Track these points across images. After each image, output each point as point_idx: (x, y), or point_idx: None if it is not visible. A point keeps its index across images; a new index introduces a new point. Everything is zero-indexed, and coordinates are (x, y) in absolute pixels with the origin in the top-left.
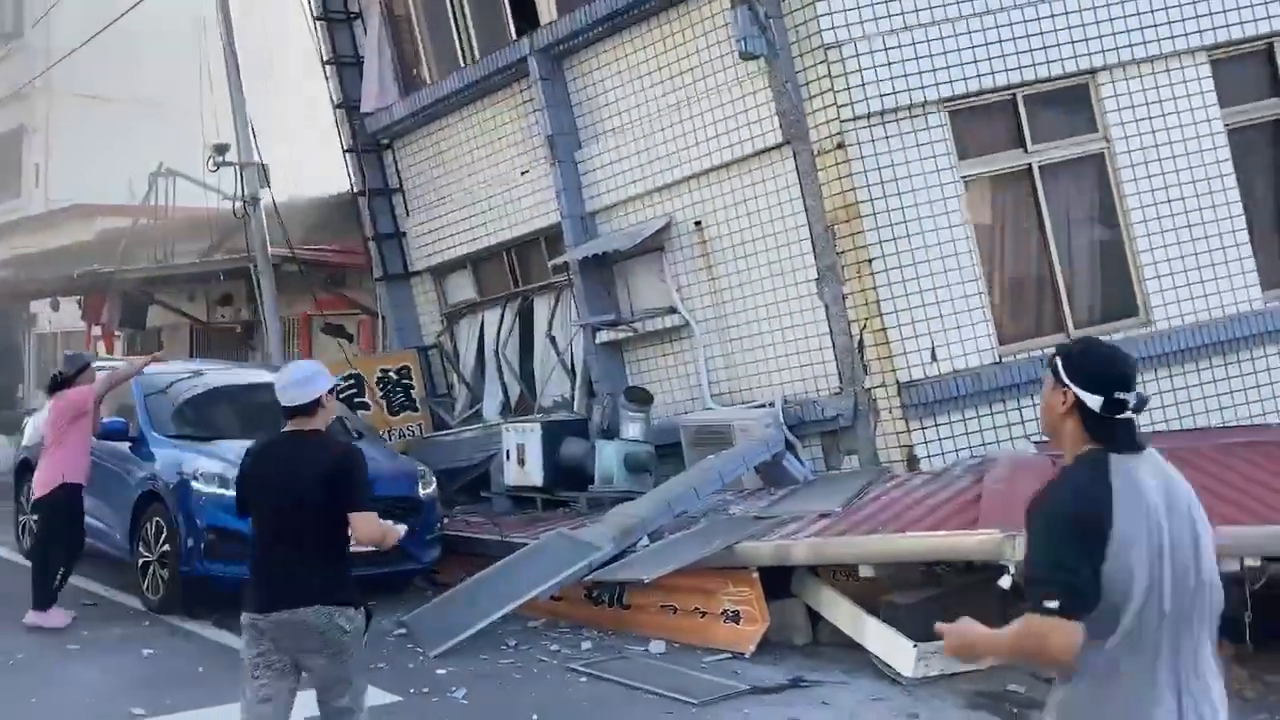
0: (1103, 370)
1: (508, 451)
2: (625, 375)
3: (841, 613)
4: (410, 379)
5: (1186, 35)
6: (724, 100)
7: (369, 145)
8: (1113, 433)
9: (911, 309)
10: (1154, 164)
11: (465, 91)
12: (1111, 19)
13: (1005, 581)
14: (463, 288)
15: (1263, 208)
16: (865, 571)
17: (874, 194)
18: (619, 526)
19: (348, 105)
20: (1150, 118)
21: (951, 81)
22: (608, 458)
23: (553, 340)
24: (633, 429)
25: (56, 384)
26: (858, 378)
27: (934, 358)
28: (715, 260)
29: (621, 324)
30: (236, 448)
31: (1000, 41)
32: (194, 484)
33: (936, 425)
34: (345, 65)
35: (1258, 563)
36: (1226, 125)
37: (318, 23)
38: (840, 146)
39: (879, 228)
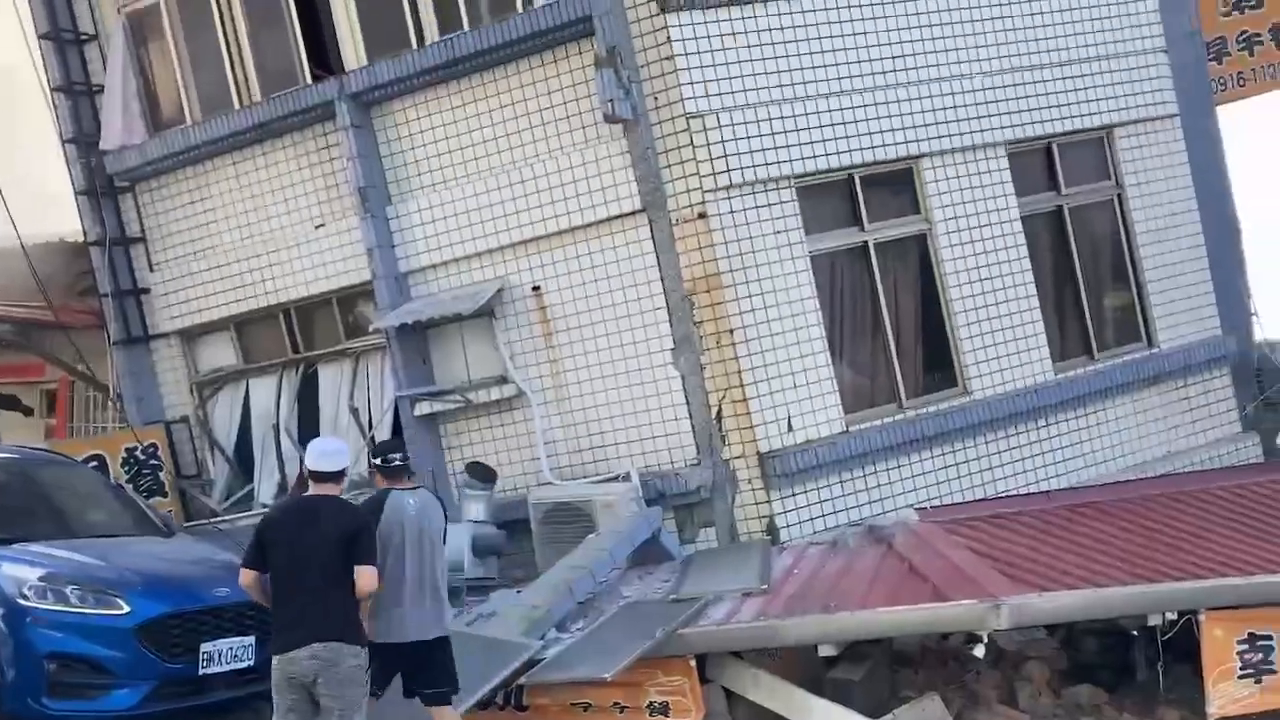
0: (381, 450)
1: None
2: (443, 450)
3: (776, 695)
4: (159, 459)
5: (992, 130)
6: (572, 163)
7: (106, 187)
8: (390, 478)
9: (770, 379)
10: (967, 245)
11: (244, 134)
12: (933, 109)
13: (980, 650)
14: (221, 353)
15: (1050, 289)
16: (825, 650)
17: (734, 265)
18: (526, 619)
19: (82, 140)
20: (963, 203)
21: (802, 159)
22: (455, 542)
23: (355, 412)
24: (476, 509)
25: None
26: (716, 449)
27: (790, 428)
28: (556, 327)
29: (449, 394)
30: (46, 552)
31: (842, 124)
32: (24, 601)
33: (794, 495)
34: (78, 94)
35: (1174, 616)
36: (1021, 213)
37: (43, 42)
38: (702, 216)
39: (739, 298)
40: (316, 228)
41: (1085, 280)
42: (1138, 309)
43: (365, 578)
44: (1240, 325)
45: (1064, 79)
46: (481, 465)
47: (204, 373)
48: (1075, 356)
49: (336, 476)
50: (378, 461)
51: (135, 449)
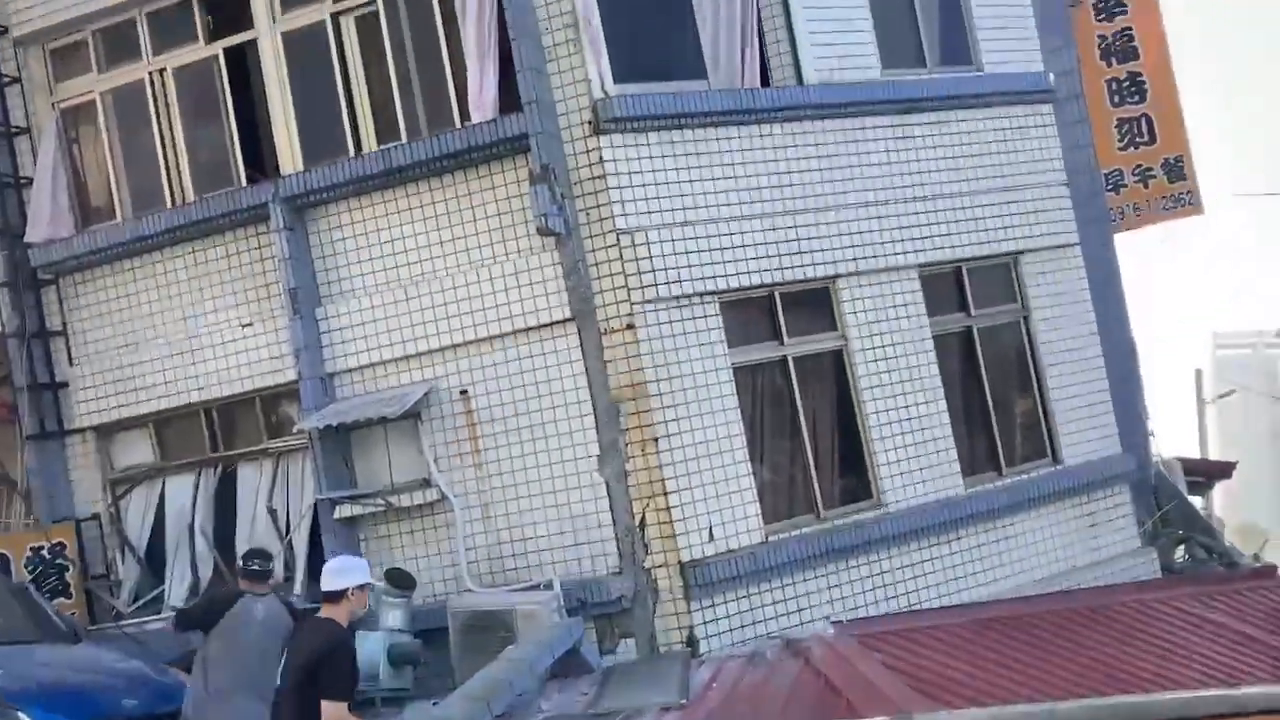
0: (246, 555)
1: None
2: (362, 555)
3: None
4: (67, 558)
5: (905, 254)
6: (504, 272)
7: (29, 280)
8: (248, 580)
9: (692, 488)
10: (881, 362)
11: (175, 231)
12: (850, 233)
13: None
14: (138, 450)
15: (960, 406)
16: None
17: (660, 375)
18: None
19: (8, 232)
20: (877, 321)
21: (726, 275)
22: (371, 651)
23: (273, 514)
24: (394, 617)
25: None
26: (638, 557)
27: (712, 536)
28: (482, 431)
29: (370, 497)
30: None
31: (764, 244)
32: None
33: (714, 606)
34: (5, 186)
35: None
36: (933, 332)
37: None
38: (630, 327)
39: (664, 407)
40: (244, 327)
41: (993, 397)
42: (1043, 426)
43: (327, 713)
44: (1139, 443)
45: (973, 207)
46: (400, 571)
47: (119, 470)
48: (984, 471)
49: (333, 596)
50: (240, 564)
51: (42, 548)
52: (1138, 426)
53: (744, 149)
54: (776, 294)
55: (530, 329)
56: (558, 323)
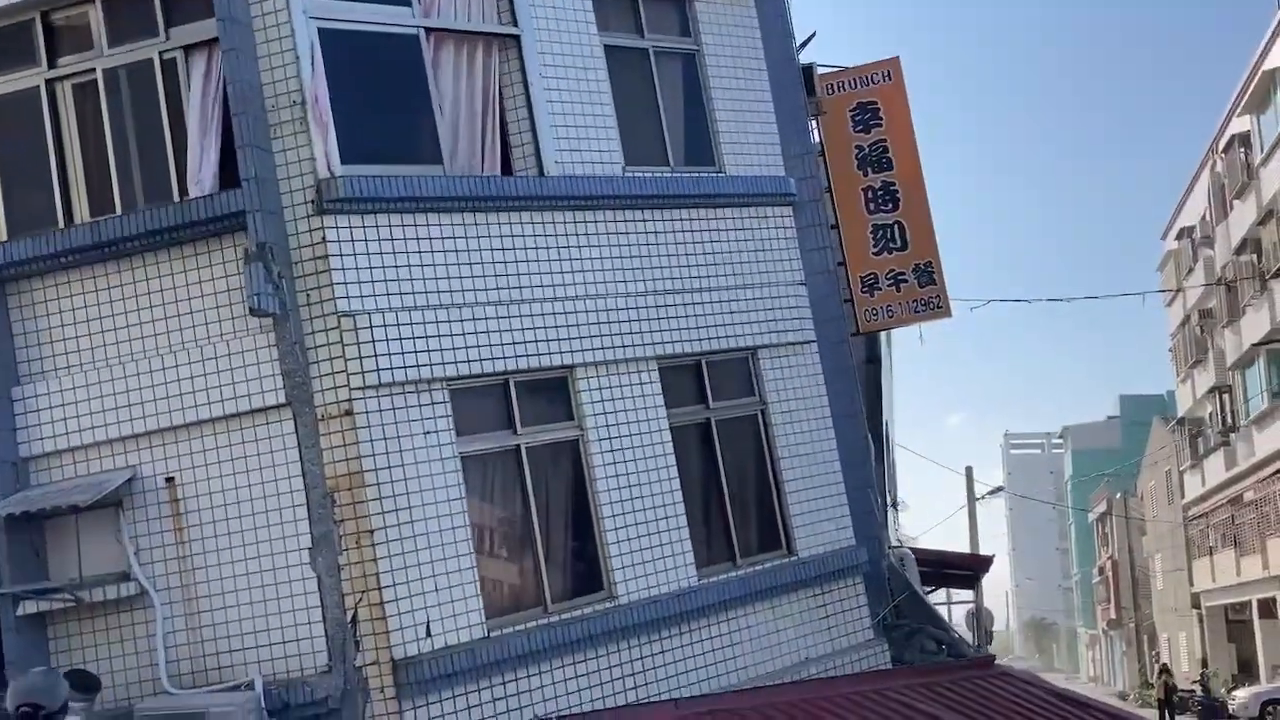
0: None
1: None
2: (49, 655)
3: None
4: None
5: (644, 345)
6: (217, 354)
7: None
8: None
9: (409, 581)
10: (618, 453)
11: None
12: (589, 324)
13: None
14: None
15: (697, 497)
16: None
17: (379, 464)
18: None
19: None
20: (615, 412)
21: (456, 363)
22: None
23: None
24: None
25: None
26: (349, 655)
27: (429, 633)
28: (188, 522)
29: (58, 592)
30: None
31: (498, 331)
32: None
33: (428, 705)
34: None
35: None
36: (671, 424)
37: None
38: (348, 414)
39: (382, 498)
40: None
41: (730, 489)
42: (779, 518)
43: None
44: (872, 536)
45: (713, 303)
46: (81, 672)
47: None
48: (719, 562)
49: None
50: None
51: None
52: (871, 520)
53: (480, 236)
54: (511, 382)
55: (242, 414)
56: (271, 408)
